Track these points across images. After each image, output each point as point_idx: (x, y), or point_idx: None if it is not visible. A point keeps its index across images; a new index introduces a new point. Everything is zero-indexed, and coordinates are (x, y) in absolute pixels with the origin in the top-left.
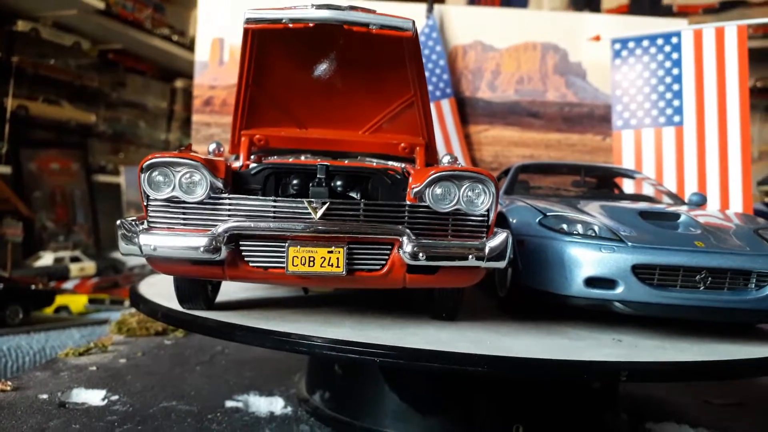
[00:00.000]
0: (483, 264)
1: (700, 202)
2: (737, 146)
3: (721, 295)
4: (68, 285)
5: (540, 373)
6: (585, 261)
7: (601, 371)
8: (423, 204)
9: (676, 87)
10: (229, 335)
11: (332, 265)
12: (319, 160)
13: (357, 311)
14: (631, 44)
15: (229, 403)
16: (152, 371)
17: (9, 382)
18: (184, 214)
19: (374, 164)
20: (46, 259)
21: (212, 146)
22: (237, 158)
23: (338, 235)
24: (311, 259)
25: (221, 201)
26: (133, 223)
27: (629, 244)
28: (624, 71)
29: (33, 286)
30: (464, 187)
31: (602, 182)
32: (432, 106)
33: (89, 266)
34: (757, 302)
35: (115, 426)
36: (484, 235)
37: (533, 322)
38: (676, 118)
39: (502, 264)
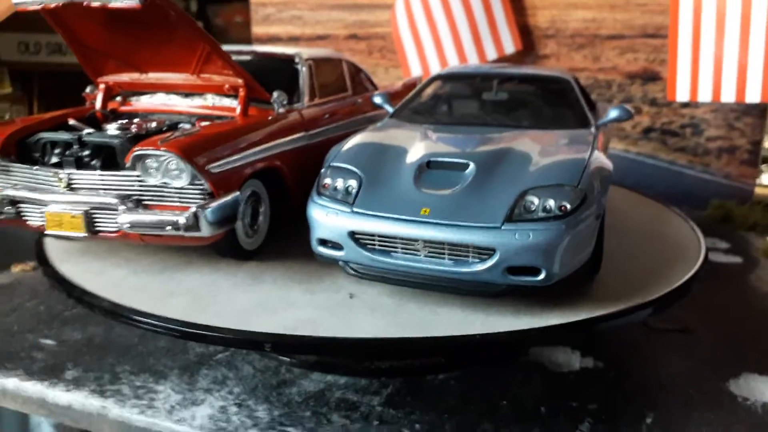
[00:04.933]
0: (184, 234)
1: (616, 118)
2: None
3: (443, 265)
4: None
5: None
6: (315, 222)
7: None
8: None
9: None
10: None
11: (75, 228)
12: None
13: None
14: None
15: None
16: None
17: (32, 263)
18: None
19: (210, 105)
20: None
21: (88, 89)
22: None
23: (74, 203)
24: (60, 222)
25: (8, 169)
26: None
27: (353, 210)
28: None
29: None
30: (164, 162)
31: (521, 97)
32: None
33: None
34: (478, 274)
35: None
36: (201, 202)
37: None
38: None
39: (201, 233)
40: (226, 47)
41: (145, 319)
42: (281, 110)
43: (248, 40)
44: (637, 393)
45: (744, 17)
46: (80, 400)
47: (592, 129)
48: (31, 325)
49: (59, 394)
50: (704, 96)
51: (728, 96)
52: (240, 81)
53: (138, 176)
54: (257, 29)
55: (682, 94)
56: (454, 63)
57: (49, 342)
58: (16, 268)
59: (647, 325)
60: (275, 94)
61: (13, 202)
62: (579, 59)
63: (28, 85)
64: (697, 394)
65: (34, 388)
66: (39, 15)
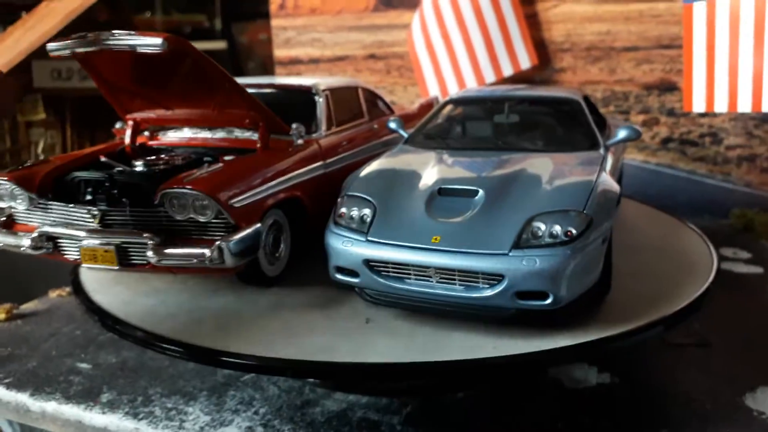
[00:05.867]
0: (209, 265)
1: (625, 138)
2: None
3: (454, 291)
4: None
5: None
6: (332, 250)
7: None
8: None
9: None
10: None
11: (108, 261)
12: (192, 133)
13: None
14: None
15: None
16: None
17: (68, 289)
18: (25, 216)
19: (233, 138)
20: None
21: (118, 124)
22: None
23: (106, 238)
24: (94, 255)
25: (46, 206)
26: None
27: (367, 239)
28: None
29: None
30: (190, 199)
31: (531, 119)
32: None
33: None
34: (487, 299)
35: None
36: (225, 234)
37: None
38: None
39: (225, 264)
40: (247, 80)
41: (173, 347)
42: (300, 141)
43: (272, 58)
44: (652, 408)
45: (757, 26)
46: (115, 422)
47: (601, 150)
48: (68, 349)
49: (95, 417)
50: (720, 106)
51: (744, 105)
52: (258, 115)
53: (165, 212)
54: (278, 52)
55: (698, 105)
56: (470, 81)
57: (85, 366)
58: (53, 294)
59: (664, 340)
60: (294, 126)
61: (51, 237)
62: (595, 72)
63: (61, 110)
64: (713, 408)
65: (71, 411)
66: None
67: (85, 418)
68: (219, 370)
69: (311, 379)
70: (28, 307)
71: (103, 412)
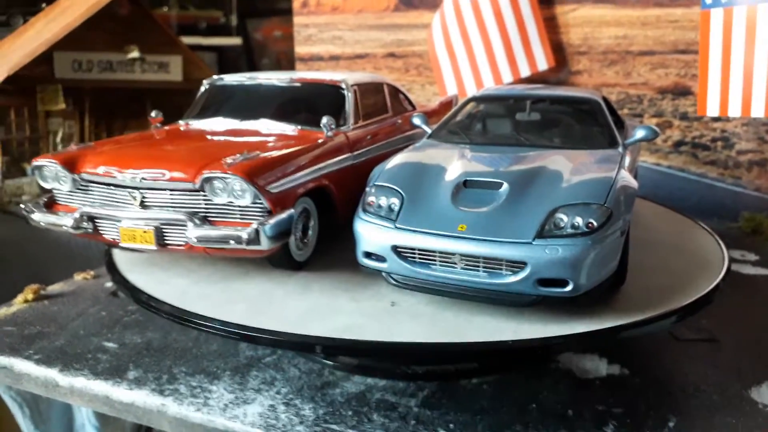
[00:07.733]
0: (245, 247)
1: (643, 137)
2: None
3: (478, 277)
4: None
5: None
6: (362, 236)
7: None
8: (207, 195)
9: None
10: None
11: (146, 242)
12: None
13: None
14: None
15: None
16: None
17: (92, 272)
18: (67, 197)
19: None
20: None
21: (153, 113)
22: None
23: (146, 219)
24: (133, 236)
25: (87, 188)
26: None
27: (396, 226)
28: None
29: None
30: (230, 183)
31: (552, 117)
32: None
33: None
34: (510, 285)
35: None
36: (260, 218)
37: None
38: None
39: (261, 247)
40: (277, 74)
41: (207, 323)
42: (329, 133)
43: (287, 54)
44: (661, 398)
45: None
46: (142, 398)
47: (620, 148)
48: (95, 329)
49: (123, 393)
50: (734, 111)
51: (758, 111)
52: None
53: (205, 195)
54: (300, 49)
55: (712, 109)
56: (488, 80)
57: (111, 345)
58: (78, 277)
59: (674, 335)
60: (324, 119)
61: (91, 218)
62: (611, 75)
63: (79, 101)
64: (720, 400)
65: (99, 386)
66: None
67: (113, 394)
68: (241, 352)
69: (335, 359)
70: (54, 288)
71: (130, 389)
